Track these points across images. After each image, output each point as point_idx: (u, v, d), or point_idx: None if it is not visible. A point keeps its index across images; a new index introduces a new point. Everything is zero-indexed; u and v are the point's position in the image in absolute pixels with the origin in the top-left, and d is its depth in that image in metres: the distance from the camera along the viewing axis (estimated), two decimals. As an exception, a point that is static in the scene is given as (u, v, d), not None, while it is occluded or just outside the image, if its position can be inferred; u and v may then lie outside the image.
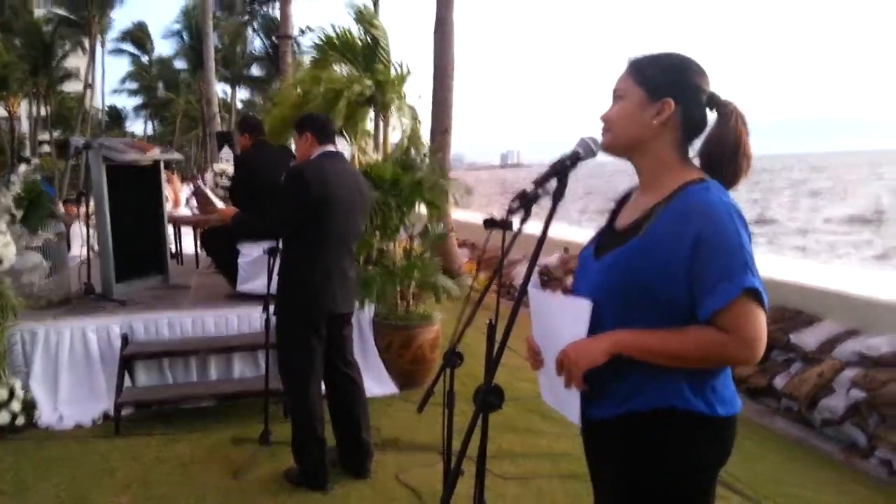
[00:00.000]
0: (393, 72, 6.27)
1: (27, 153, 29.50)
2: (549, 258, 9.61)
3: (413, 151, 5.96)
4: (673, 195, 1.59)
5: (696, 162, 1.68)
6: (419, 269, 5.29)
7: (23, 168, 5.34)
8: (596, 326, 1.59)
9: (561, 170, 1.66)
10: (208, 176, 6.98)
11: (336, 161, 3.63)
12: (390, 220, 5.29)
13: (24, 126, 37.18)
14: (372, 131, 6.63)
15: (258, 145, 5.44)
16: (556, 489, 3.68)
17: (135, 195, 5.86)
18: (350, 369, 3.81)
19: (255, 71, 41.29)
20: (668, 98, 1.62)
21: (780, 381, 5.18)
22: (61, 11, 34.57)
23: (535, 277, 1.80)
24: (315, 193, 3.41)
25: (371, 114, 6.60)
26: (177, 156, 7.67)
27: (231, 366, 5.11)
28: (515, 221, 1.73)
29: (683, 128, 1.65)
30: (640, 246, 1.57)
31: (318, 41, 6.31)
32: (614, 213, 1.81)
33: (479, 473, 2.11)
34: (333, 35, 6.16)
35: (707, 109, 1.67)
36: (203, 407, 4.85)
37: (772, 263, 7.22)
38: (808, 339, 5.26)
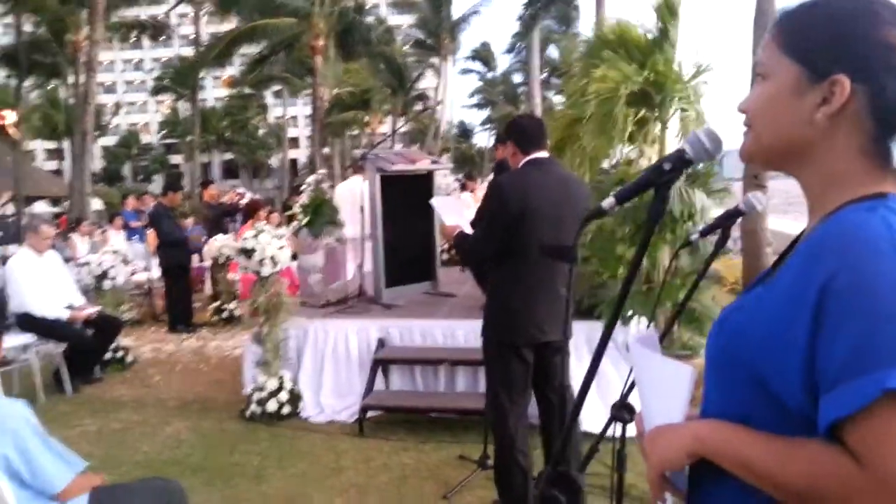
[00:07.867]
0: (676, 67, 5.58)
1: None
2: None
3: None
4: (821, 221, 0.96)
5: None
6: (681, 290, 4.60)
7: (311, 178, 5.91)
8: (705, 409, 1.07)
9: (658, 180, 1.11)
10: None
11: (543, 168, 3.27)
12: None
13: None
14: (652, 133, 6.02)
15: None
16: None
17: (408, 204, 6.10)
18: (560, 397, 3.41)
19: (588, 79, 41.75)
20: (837, 74, 0.94)
21: None
22: (419, 35, 39.07)
23: (651, 329, 1.29)
24: (513, 207, 3.11)
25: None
26: (445, 166, 7.83)
27: (477, 379, 5.01)
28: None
29: (874, 117, 0.94)
30: (757, 300, 0.98)
31: (590, 38, 5.89)
32: (786, 252, 1.12)
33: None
34: (608, 31, 5.69)
35: None
36: (445, 417, 4.83)
37: None
38: None
